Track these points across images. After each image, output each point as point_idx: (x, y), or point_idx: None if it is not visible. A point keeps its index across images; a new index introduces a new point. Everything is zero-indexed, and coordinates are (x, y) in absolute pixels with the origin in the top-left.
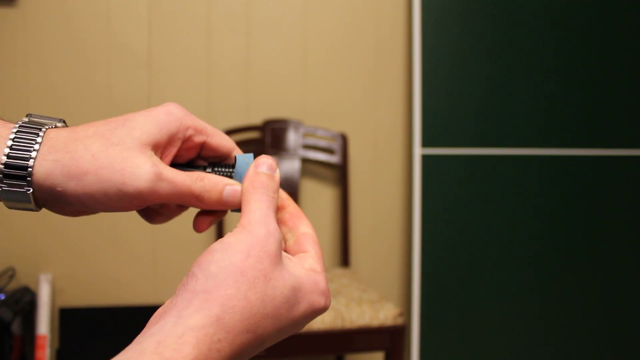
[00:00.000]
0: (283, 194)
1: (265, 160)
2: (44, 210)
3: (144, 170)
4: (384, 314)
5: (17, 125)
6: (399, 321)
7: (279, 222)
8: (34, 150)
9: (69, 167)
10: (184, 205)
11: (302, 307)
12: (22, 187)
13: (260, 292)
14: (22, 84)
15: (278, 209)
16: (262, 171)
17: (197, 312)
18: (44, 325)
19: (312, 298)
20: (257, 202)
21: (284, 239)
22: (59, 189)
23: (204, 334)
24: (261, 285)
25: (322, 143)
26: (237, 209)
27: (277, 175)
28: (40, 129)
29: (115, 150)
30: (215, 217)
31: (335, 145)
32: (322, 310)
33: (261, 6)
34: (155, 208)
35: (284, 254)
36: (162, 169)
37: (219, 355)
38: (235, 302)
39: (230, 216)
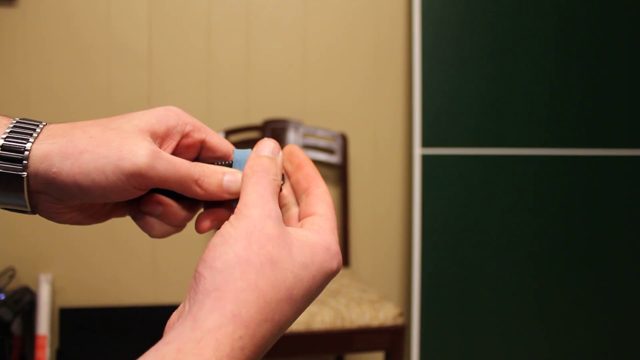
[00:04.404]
0: (302, 155)
1: (267, 144)
2: None
3: (142, 147)
4: (384, 314)
5: (18, 119)
6: (399, 321)
7: (296, 182)
8: (32, 136)
9: (66, 147)
10: (184, 193)
11: (315, 280)
12: (17, 170)
13: (270, 278)
14: (22, 84)
15: (298, 168)
16: (263, 154)
17: (211, 312)
18: (44, 325)
19: (325, 265)
20: (254, 185)
21: (297, 201)
22: (54, 169)
23: (223, 334)
24: (269, 270)
25: (322, 143)
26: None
27: (280, 158)
28: (40, 122)
29: (113, 132)
30: (218, 217)
31: (335, 145)
32: (334, 274)
33: (261, 6)
34: (156, 214)
35: (289, 228)
36: (161, 150)
37: (243, 353)
38: (248, 294)
39: None
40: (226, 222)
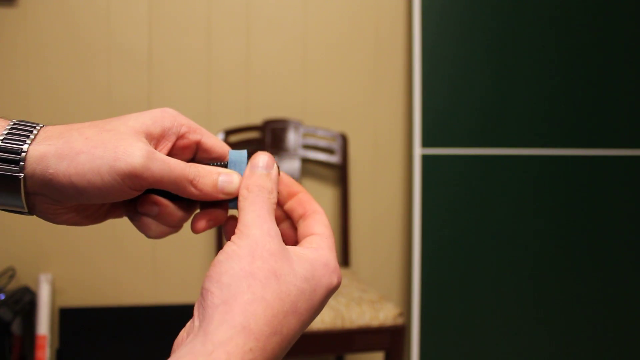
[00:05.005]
0: (289, 180)
1: (261, 159)
2: None
3: (137, 148)
4: (384, 314)
5: (16, 120)
6: (399, 321)
7: (290, 209)
8: (29, 138)
9: (62, 149)
10: (179, 193)
11: (317, 293)
12: (14, 171)
13: (275, 291)
14: (22, 84)
15: (289, 196)
16: (257, 172)
17: (220, 325)
18: (44, 325)
19: (325, 281)
20: (251, 205)
21: (295, 226)
22: (50, 171)
23: (234, 346)
24: (274, 284)
25: (322, 143)
26: (235, 204)
27: (274, 172)
28: (37, 124)
29: (109, 133)
30: (213, 217)
31: (335, 145)
32: (335, 289)
33: (261, 6)
34: (152, 214)
35: (289, 247)
36: (156, 151)
37: None
38: (255, 306)
39: None
40: (229, 241)
